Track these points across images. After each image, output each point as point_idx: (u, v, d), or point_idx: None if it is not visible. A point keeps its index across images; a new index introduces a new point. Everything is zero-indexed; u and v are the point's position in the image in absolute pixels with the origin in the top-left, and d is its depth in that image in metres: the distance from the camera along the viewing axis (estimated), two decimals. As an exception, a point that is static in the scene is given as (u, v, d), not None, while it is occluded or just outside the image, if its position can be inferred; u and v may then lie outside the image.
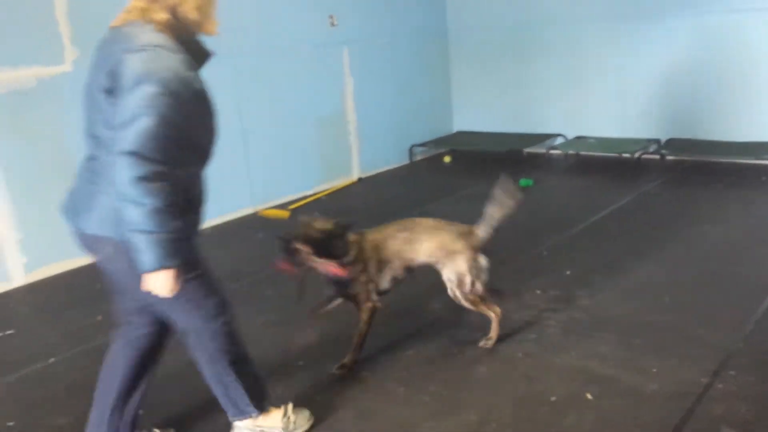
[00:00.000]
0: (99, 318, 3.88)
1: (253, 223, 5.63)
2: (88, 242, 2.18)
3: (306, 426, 2.63)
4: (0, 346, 3.64)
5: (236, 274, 4.42)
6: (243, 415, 2.49)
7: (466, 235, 3.10)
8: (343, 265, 2.84)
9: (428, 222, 3.18)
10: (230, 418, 2.52)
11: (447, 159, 7.30)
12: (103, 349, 3.46)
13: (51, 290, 4.36)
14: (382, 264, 3.04)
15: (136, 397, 2.46)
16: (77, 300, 4.19)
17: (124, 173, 1.92)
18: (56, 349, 3.53)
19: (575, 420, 2.60)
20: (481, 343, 3.18)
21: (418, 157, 7.44)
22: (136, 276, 2.08)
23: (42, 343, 3.60)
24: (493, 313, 3.16)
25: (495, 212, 3.12)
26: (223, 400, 2.47)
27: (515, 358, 3.09)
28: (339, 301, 3.14)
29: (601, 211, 5.12)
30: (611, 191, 5.70)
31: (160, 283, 2.07)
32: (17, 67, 4.32)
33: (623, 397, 2.72)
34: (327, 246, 2.82)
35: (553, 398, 2.75)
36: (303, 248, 2.79)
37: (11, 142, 4.34)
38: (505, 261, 4.24)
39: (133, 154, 1.90)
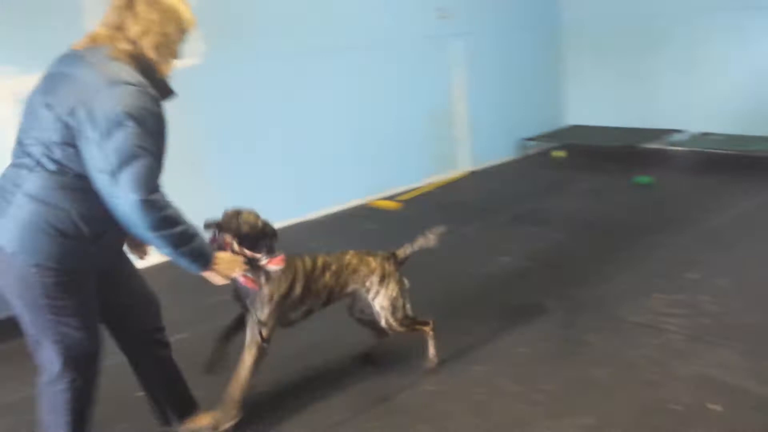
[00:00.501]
0: (222, 298, 4.08)
1: (364, 213, 5.72)
2: None
3: None
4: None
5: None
6: None
7: (390, 259, 3.00)
8: (254, 277, 2.61)
9: (351, 252, 2.98)
10: None
11: (560, 153, 7.13)
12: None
13: (177, 271, 4.60)
14: (306, 294, 2.76)
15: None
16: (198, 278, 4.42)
17: (142, 222, 1.99)
18: (187, 325, 3.73)
19: None
20: (428, 366, 3.02)
21: (529, 151, 7.31)
22: (18, 296, 2.09)
23: (175, 319, 3.80)
24: (428, 329, 3.02)
25: (419, 242, 3.09)
26: None
27: (636, 363, 3.00)
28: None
29: (727, 212, 4.86)
30: (737, 191, 5.39)
31: (222, 272, 2.28)
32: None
33: (756, 410, 2.58)
34: (252, 242, 2.59)
35: (677, 407, 2.65)
36: (227, 238, 2.53)
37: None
38: (624, 262, 4.14)
39: (141, 202, 1.96)
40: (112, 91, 1.93)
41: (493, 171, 6.86)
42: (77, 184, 2.02)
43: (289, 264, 2.69)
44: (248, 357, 2.61)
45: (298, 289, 2.70)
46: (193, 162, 4.82)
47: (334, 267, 2.84)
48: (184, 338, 3.61)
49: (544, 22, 7.33)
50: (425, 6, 6.21)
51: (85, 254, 2.10)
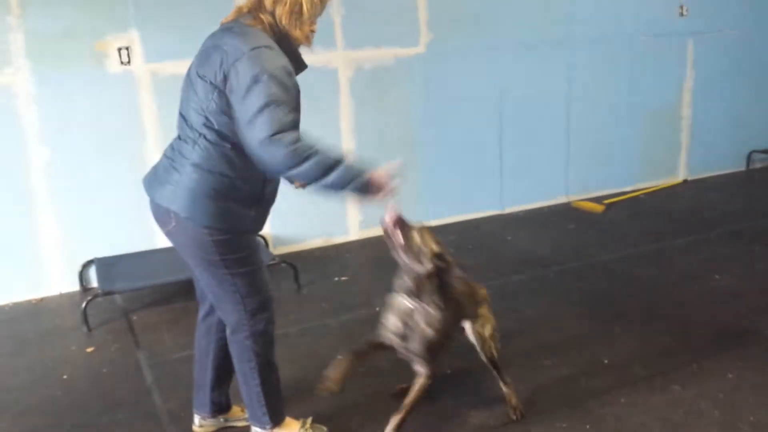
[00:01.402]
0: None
1: (565, 212, 5.61)
2: (158, 214, 2.32)
3: None
4: (337, 289, 4.20)
5: (545, 261, 4.49)
6: (258, 423, 2.52)
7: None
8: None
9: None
10: (249, 421, 2.57)
11: (793, 170, 6.45)
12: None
13: (379, 248, 4.86)
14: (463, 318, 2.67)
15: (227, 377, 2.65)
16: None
17: (275, 158, 2.09)
18: (380, 299, 3.94)
19: None
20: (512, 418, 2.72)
21: (758, 165, 6.68)
22: (193, 255, 2.29)
23: (371, 292, 4.06)
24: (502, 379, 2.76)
25: None
26: (245, 401, 2.52)
27: None
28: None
29: None
30: None
31: (376, 191, 2.23)
32: (380, 47, 4.88)
33: None
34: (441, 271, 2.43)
35: None
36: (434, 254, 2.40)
37: (366, 112, 4.92)
38: None
39: (269, 138, 2.06)
40: (251, 54, 2.10)
41: (712, 182, 6.37)
42: (237, 153, 2.20)
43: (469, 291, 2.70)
44: (418, 386, 2.51)
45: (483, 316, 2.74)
46: (401, 145, 5.07)
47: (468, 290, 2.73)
48: (379, 311, 3.83)
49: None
50: (663, 2, 5.90)
51: (246, 217, 2.29)
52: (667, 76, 6.10)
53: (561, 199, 5.85)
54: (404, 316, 2.47)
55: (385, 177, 2.24)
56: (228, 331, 2.46)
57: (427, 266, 2.38)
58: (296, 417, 2.63)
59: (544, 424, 2.70)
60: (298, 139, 2.11)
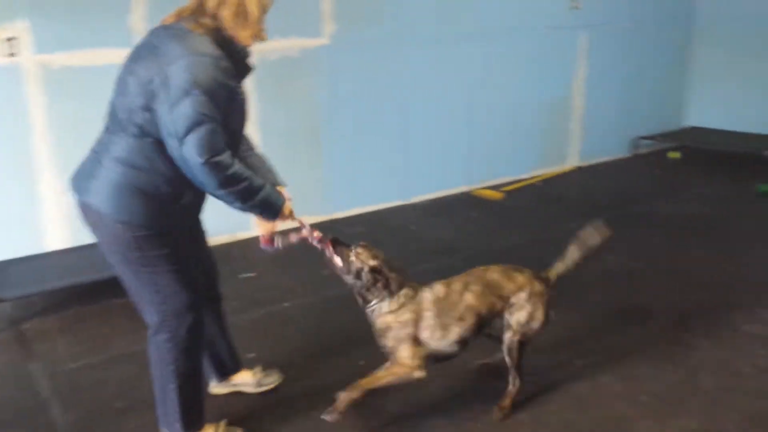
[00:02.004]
0: (326, 273, 4.22)
1: (467, 201, 5.73)
2: (83, 210, 2.29)
3: None
4: (245, 286, 4.11)
5: (450, 249, 4.57)
6: (168, 428, 2.45)
7: (540, 279, 2.69)
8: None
9: (494, 267, 2.71)
10: (159, 427, 2.49)
11: (674, 154, 6.87)
12: (333, 299, 3.84)
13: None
14: (446, 321, 2.55)
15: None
16: (308, 253, 4.59)
17: (209, 182, 2.12)
18: (291, 294, 3.91)
19: (815, 449, 2.40)
20: (494, 416, 2.68)
21: (642, 151, 7.08)
22: (115, 252, 2.27)
23: (279, 288, 4.00)
24: (517, 385, 2.69)
25: (574, 253, 2.75)
26: (158, 405, 2.45)
27: (745, 372, 2.90)
28: None
29: None
30: None
31: (284, 217, 2.36)
32: (285, 38, 4.78)
33: None
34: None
35: (788, 421, 2.55)
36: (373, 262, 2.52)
37: (271, 104, 4.83)
38: (741, 271, 3.98)
39: (206, 163, 2.06)
40: (185, 61, 2.05)
41: (602, 168, 6.70)
42: (158, 149, 2.16)
43: (415, 294, 2.56)
44: (393, 370, 2.54)
45: (429, 317, 2.54)
46: (306, 137, 5.02)
47: (475, 287, 2.61)
48: (289, 306, 3.79)
49: (676, 18, 7.05)
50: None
51: (167, 214, 2.25)
52: (562, 68, 6.35)
53: (462, 188, 5.97)
54: (369, 320, 2.59)
55: (289, 208, 2.38)
56: (149, 332, 2.38)
57: (364, 280, 2.52)
58: (209, 420, 2.55)
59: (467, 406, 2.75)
60: (232, 163, 2.13)
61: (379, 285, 2.52)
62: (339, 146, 5.21)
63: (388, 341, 2.53)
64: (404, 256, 4.45)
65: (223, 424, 2.56)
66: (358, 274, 2.51)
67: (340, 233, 5.11)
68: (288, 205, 2.38)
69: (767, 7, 6.51)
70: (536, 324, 2.63)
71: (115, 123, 2.23)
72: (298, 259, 4.47)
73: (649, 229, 4.84)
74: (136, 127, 2.16)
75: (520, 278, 2.65)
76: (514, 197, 5.78)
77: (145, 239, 2.22)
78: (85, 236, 4.27)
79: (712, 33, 7.02)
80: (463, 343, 2.58)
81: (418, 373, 2.50)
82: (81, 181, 2.29)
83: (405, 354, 2.50)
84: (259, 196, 2.23)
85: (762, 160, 6.24)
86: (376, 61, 5.24)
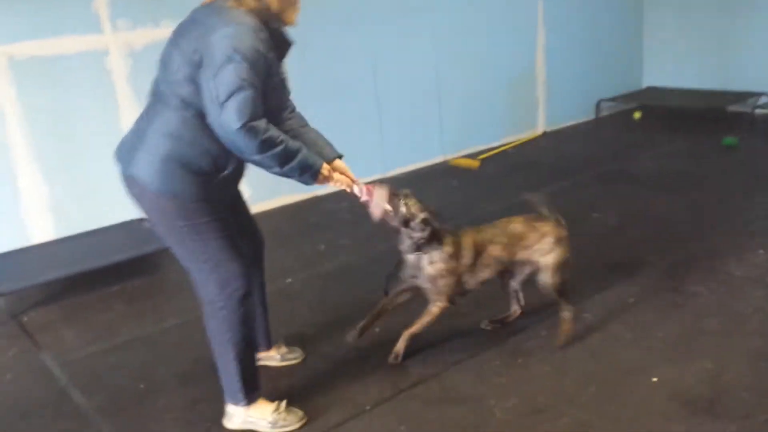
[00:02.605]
0: (322, 247, 4.25)
1: (443, 171, 5.80)
2: (127, 182, 2.32)
3: (296, 425, 2.51)
4: (242, 266, 4.09)
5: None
6: (232, 399, 2.48)
7: (561, 224, 2.96)
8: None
9: (519, 219, 2.95)
10: (225, 400, 2.52)
11: (637, 115, 7.07)
12: (331, 274, 3.86)
13: (276, 220, 4.78)
14: (474, 266, 2.83)
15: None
16: (301, 230, 4.62)
17: (246, 147, 2.15)
18: (291, 271, 3.91)
19: (822, 379, 2.56)
20: (556, 344, 2.92)
21: (605, 113, 7.26)
22: (159, 223, 2.32)
23: (278, 266, 3.98)
24: (569, 312, 2.94)
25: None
26: (221, 378, 2.48)
27: (746, 314, 3.05)
28: (403, 294, 2.90)
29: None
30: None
31: (322, 180, 2.39)
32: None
33: None
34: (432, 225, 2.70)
35: (792, 355, 2.71)
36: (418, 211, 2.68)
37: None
38: (721, 219, 4.16)
39: (243, 128, 2.10)
40: (227, 30, 2.11)
41: (568, 132, 6.85)
42: (200, 121, 2.19)
43: (458, 243, 2.79)
44: (434, 310, 2.82)
45: (465, 265, 2.80)
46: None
47: (500, 239, 2.86)
48: (291, 282, 3.80)
49: (626, -20, 7.23)
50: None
51: (210, 185, 2.27)
52: (522, 36, 6.45)
53: (438, 159, 6.04)
54: (413, 266, 2.77)
55: (328, 169, 2.41)
56: (203, 305, 2.40)
57: (419, 233, 2.68)
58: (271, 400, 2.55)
59: (474, 361, 2.83)
60: (268, 128, 2.16)
61: (429, 235, 2.69)
62: (315, 124, 5.10)
63: (438, 285, 2.77)
64: (388, 228, 4.50)
65: (283, 403, 2.54)
66: (406, 222, 2.66)
67: (322, 211, 5.16)
68: (326, 167, 2.40)
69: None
70: (564, 266, 2.91)
71: (157, 98, 2.27)
72: (292, 237, 4.49)
73: (624, 186, 4.99)
74: (179, 100, 2.19)
75: (544, 227, 2.91)
76: (490, 164, 5.87)
77: (189, 209, 2.25)
78: (68, 227, 4.26)
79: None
80: (484, 282, 2.89)
81: (449, 305, 2.83)
82: (125, 153, 2.31)
83: (445, 297, 2.80)
84: (296, 159, 2.26)
85: (722, 115, 6.48)
86: (343, 36, 5.22)
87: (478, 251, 2.83)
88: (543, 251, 2.89)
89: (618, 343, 2.92)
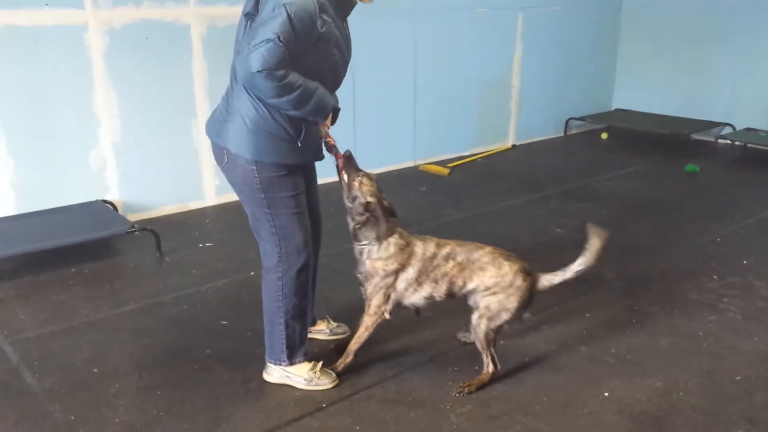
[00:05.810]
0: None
1: (414, 175, 5.84)
2: (215, 151, 2.54)
3: (329, 386, 2.68)
4: (204, 255, 4.06)
5: (404, 223, 4.62)
6: (274, 359, 2.68)
7: (527, 276, 2.68)
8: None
9: (488, 249, 2.71)
10: (266, 358, 2.72)
11: (604, 135, 7.22)
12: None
13: (238, 213, 4.73)
14: (423, 278, 2.66)
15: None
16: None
17: (264, 89, 2.27)
18: (255, 264, 3.87)
19: (765, 400, 2.64)
20: (455, 392, 2.69)
21: (574, 131, 7.40)
22: (241, 191, 2.51)
23: (241, 258, 3.97)
24: (491, 372, 2.73)
25: (581, 263, 2.74)
26: (266, 339, 2.69)
27: (698, 336, 3.14)
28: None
29: (776, 207, 4.97)
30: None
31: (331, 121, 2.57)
32: (233, 5, 4.65)
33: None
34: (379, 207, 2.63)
35: (738, 377, 2.80)
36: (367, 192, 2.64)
37: (223, 73, 4.73)
38: (678, 242, 4.27)
39: (260, 73, 2.21)
40: None
41: (537, 146, 6.96)
42: None
43: (406, 246, 2.65)
44: (368, 320, 2.73)
45: (411, 272, 2.64)
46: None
47: (459, 258, 2.66)
48: (254, 276, 3.76)
49: (605, 3, 7.36)
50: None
51: (291, 150, 2.45)
52: (500, 48, 6.54)
53: (409, 163, 6.07)
54: (358, 259, 2.69)
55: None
56: (262, 270, 2.60)
57: (358, 216, 2.63)
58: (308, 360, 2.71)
59: (438, 365, 2.86)
60: (287, 75, 2.25)
61: (369, 224, 2.62)
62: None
63: (369, 286, 2.68)
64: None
65: (320, 364, 2.70)
66: (353, 200, 2.64)
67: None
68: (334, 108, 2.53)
69: (691, -1, 6.92)
70: (505, 315, 2.65)
71: (234, 73, 2.41)
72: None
73: (588, 204, 5.09)
74: None
75: (507, 267, 2.65)
76: (459, 172, 5.93)
77: (272, 182, 2.44)
78: (30, 204, 4.17)
79: (637, 19, 7.40)
80: (430, 299, 2.72)
81: (387, 316, 2.71)
82: (215, 125, 2.51)
83: (378, 303, 2.69)
84: (312, 101, 2.36)
85: (686, 142, 6.65)
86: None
87: (433, 263, 2.64)
88: (491, 289, 2.63)
89: (573, 356, 2.98)
